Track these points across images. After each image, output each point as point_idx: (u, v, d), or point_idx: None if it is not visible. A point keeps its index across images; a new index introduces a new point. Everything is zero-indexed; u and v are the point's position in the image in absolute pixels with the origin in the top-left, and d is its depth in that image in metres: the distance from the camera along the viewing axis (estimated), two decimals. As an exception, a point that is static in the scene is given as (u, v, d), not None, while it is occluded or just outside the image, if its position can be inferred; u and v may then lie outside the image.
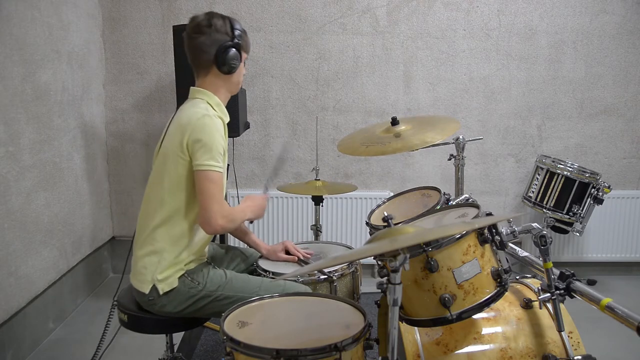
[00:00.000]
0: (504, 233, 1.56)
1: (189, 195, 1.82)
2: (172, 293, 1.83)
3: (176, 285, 1.83)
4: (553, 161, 3.12)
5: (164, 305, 1.83)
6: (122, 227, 3.73)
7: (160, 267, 1.81)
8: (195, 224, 1.84)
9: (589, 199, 3.07)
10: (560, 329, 1.53)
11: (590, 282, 1.59)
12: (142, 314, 1.88)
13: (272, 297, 1.67)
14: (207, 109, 1.82)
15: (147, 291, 1.82)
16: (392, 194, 2.35)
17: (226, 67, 1.85)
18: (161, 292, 1.81)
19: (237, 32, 1.85)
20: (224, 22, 1.85)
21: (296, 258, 2.08)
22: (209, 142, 1.75)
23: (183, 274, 1.85)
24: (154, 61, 3.55)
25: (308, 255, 2.11)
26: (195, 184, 1.78)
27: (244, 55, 1.91)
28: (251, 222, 2.05)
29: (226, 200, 3.47)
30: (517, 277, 1.81)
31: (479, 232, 1.47)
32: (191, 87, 1.92)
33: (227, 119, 1.92)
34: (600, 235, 3.63)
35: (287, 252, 2.11)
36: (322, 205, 2.76)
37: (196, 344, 2.75)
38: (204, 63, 1.86)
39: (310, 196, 2.79)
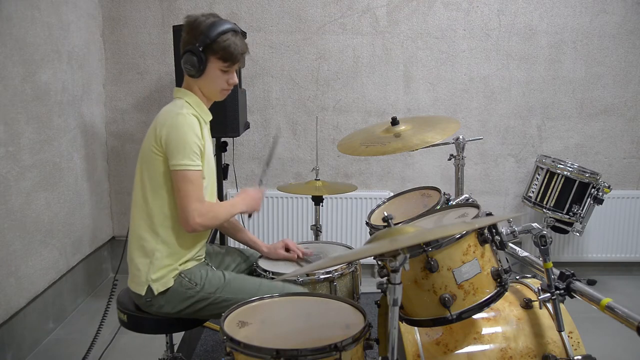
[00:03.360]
0: (504, 233, 1.56)
1: (170, 194, 1.81)
2: (169, 293, 1.83)
3: (171, 285, 1.82)
4: (553, 161, 3.12)
5: (161, 306, 1.83)
6: (122, 227, 3.72)
7: (153, 267, 1.81)
8: None
9: (589, 199, 3.07)
10: (560, 329, 1.53)
11: (590, 282, 1.60)
12: (142, 314, 1.88)
13: (272, 297, 1.67)
14: (182, 107, 1.81)
15: (143, 293, 1.82)
16: (392, 194, 2.35)
17: (185, 70, 1.84)
18: (156, 292, 1.81)
19: (208, 37, 1.77)
20: (203, 23, 1.79)
21: (296, 256, 2.09)
22: (182, 140, 1.74)
23: (179, 274, 1.84)
24: (154, 61, 3.55)
25: (308, 253, 2.12)
26: (172, 184, 1.78)
27: (215, 62, 1.81)
28: (249, 216, 2.03)
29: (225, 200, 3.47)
30: (517, 277, 1.81)
31: (479, 232, 1.47)
32: (175, 88, 1.93)
33: (207, 118, 1.91)
34: (600, 235, 3.63)
35: (287, 250, 2.11)
36: (322, 205, 2.76)
37: (196, 344, 2.75)
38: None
39: (310, 196, 2.79)
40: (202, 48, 1.78)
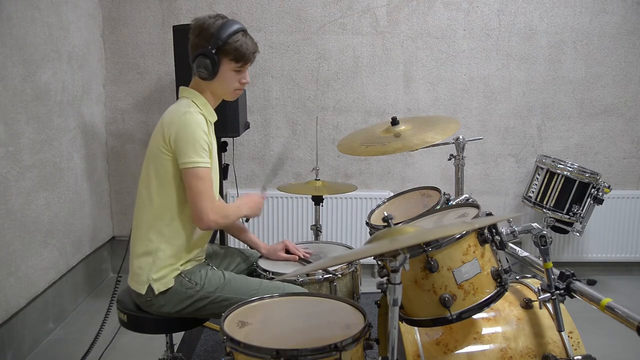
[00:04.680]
0: (504, 233, 1.56)
1: (178, 193, 1.81)
2: (169, 293, 1.83)
3: (172, 285, 1.83)
4: (553, 161, 3.12)
5: (161, 305, 1.84)
6: (122, 227, 3.72)
7: (155, 267, 1.82)
8: (188, 222, 1.85)
9: (589, 199, 3.07)
10: (560, 329, 1.53)
11: (590, 282, 1.59)
12: (142, 314, 1.88)
13: (272, 297, 1.67)
14: (189, 106, 1.82)
15: (143, 292, 1.82)
16: (392, 194, 2.35)
17: (198, 73, 1.84)
18: (156, 292, 1.81)
19: (220, 39, 1.78)
20: (213, 25, 1.80)
21: (297, 257, 2.08)
22: (191, 138, 1.75)
23: (180, 274, 1.85)
24: (154, 61, 3.55)
25: (307, 255, 2.11)
26: (183, 182, 1.79)
27: (228, 63, 1.82)
28: (247, 220, 2.05)
29: (225, 200, 3.48)
30: (517, 277, 1.81)
31: (479, 232, 1.47)
32: (180, 87, 1.93)
33: (212, 119, 1.92)
34: (600, 235, 3.63)
35: (287, 251, 2.11)
36: (322, 205, 2.76)
37: (196, 344, 2.75)
38: (191, 64, 1.87)
39: (310, 196, 2.79)
40: (214, 50, 1.79)
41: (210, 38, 1.79)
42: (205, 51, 1.80)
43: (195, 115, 1.79)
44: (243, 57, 1.83)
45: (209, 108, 1.90)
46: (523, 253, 1.82)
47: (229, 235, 3.29)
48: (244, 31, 1.85)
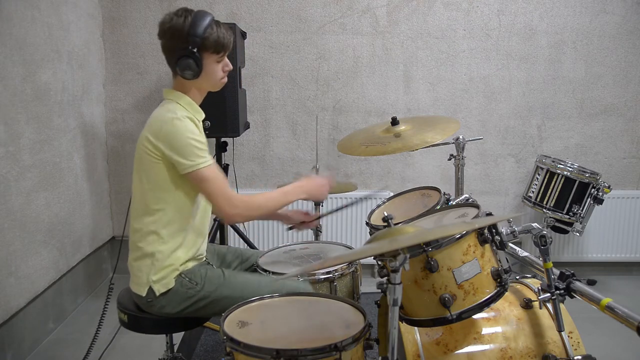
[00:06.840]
0: (504, 233, 1.56)
1: (173, 197, 1.80)
2: (170, 294, 1.82)
3: (173, 286, 1.82)
4: (553, 161, 3.12)
5: (162, 306, 1.83)
6: (122, 227, 3.72)
7: (155, 268, 1.81)
8: (186, 224, 1.84)
9: (589, 199, 3.07)
10: (560, 329, 1.53)
11: (590, 282, 1.60)
12: (142, 314, 1.88)
13: (272, 297, 1.67)
14: (175, 111, 1.78)
15: (144, 293, 1.82)
16: (392, 194, 2.35)
17: (183, 75, 1.80)
18: (157, 293, 1.80)
19: (197, 36, 1.75)
20: (184, 24, 1.76)
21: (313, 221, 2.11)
22: (185, 143, 1.73)
23: (180, 274, 1.84)
24: (154, 61, 3.55)
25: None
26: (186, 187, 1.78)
27: (209, 57, 1.80)
28: (290, 228, 2.06)
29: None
30: (517, 277, 1.81)
31: (479, 232, 1.47)
32: (164, 90, 1.89)
33: (200, 117, 1.89)
34: (600, 235, 3.63)
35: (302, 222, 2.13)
36: (322, 205, 2.76)
37: (196, 344, 2.75)
38: (170, 66, 1.83)
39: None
40: (195, 49, 1.76)
41: (187, 38, 1.75)
42: (187, 52, 1.76)
43: (183, 120, 1.76)
44: (223, 47, 1.82)
45: (195, 107, 1.87)
46: (523, 253, 1.82)
47: (229, 235, 3.30)
48: (215, 21, 1.82)
